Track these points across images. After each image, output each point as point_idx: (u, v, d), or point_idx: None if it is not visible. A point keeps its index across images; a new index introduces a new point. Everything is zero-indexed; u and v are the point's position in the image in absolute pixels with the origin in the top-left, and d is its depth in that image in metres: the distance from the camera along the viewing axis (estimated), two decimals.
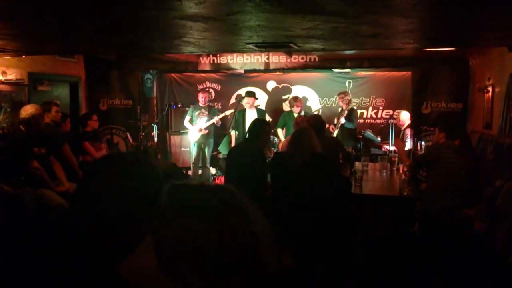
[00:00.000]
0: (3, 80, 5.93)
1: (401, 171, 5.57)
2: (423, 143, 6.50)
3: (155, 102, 9.05)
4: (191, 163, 8.07)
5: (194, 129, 7.81)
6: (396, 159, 5.95)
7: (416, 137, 6.90)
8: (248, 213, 0.98)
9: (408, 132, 7.17)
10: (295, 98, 7.75)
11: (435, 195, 4.46)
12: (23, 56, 5.96)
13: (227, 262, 0.92)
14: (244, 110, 7.75)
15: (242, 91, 9.00)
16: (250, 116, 7.38)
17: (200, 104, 7.93)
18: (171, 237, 0.95)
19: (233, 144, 7.76)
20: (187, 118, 7.95)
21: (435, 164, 4.45)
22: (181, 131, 8.53)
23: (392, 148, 7.04)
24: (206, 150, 7.92)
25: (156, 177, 1.33)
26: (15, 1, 2.76)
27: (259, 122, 4.73)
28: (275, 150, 7.18)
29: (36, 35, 4.18)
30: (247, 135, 4.56)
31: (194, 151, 8.01)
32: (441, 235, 4.26)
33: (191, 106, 8.23)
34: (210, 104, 8.48)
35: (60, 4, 2.84)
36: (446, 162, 4.41)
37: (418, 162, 4.87)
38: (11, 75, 6.07)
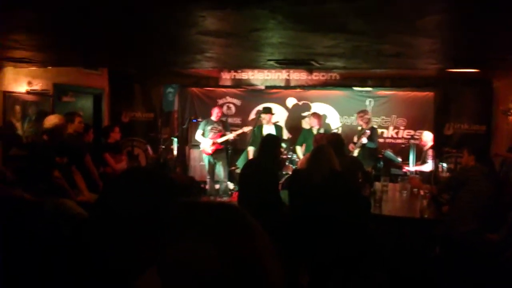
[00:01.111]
0: (29, 90, 6.07)
1: (421, 193, 5.47)
2: (444, 164, 6.39)
3: (175, 115, 9.13)
4: (207, 177, 8.09)
5: (206, 143, 7.83)
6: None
7: (438, 158, 6.79)
8: (251, 231, 0.97)
9: (430, 153, 7.06)
10: (314, 114, 7.74)
11: (459, 218, 4.36)
12: (49, 67, 6.10)
13: (230, 282, 0.91)
14: (261, 126, 7.76)
15: (262, 107, 9.02)
16: (268, 132, 7.38)
17: (213, 119, 7.96)
18: (172, 257, 0.94)
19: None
20: (199, 131, 7.96)
21: (463, 186, 4.38)
22: (199, 144, 8.59)
23: (413, 169, 6.94)
24: (220, 165, 7.91)
25: (174, 192, 1.34)
26: (44, 15, 2.83)
27: (269, 138, 4.73)
28: (294, 167, 7.15)
29: (63, 48, 4.28)
30: (259, 151, 4.56)
31: (206, 165, 8.03)
32: (463, 260, 4.15)
33: (202, 120, 8.28)
34: (224, 119, 8.51)
35: (87, 19, 2.91)
36: (474, 185, 4.33)
37: (448, 184, 4.78)
38: (37, 86, 6.21)
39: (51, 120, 4.87)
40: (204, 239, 0.93)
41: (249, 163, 4.92)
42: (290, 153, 7.70)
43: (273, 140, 4.61)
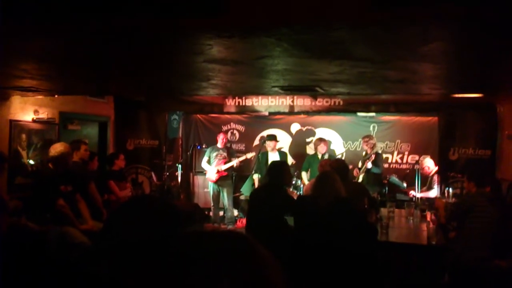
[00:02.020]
0: (35, 118, 6.12)
1: (428, 219, 5.41)
2: (450, 190, 6.35)
3: (180, 142, 9.16)
4: (211, 204, 8.05)
5: (211, 170, 7.82)
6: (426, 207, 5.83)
7: (443, 183, 6.75)
8: (262, 259, 0.96)
9: (436, 178, 7.01)
10: (321, 139, 7.73)
11: (467, 245, 4.31)
12: (56, 96, 6.16)
13: None
14: (266, 153, 7.76)
15: (266, 133, 9.04)
16: (272, 159, 7.38)
17: (218, 146, 7.97)
18: None
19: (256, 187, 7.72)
20: (205, 159, 7.96)
21: (469, 213, 4.33)
22: (204, 172, 8.58)
23: (419, 195, 6.88)
24: (225, 192, 7.87)
25: (178, 219, 1.33)
26: (52, 44, 2.87)
27: (277, 164, 4.76)
28: (299, 193, 7.12)
29: (71, 77, 4.33)
30: (268, 177, 4.58)
31: (211, 192, 7.99)
32: (472, 287, 4.07)
33: (207, 147, 8.30)
34: (229, 145, 8.51)
35: (96, 49, 2.95)
36: (480, 211, 4.29)
37: (454, 211, 4.74)
38: (43, 114, 6.26)
39: (57, 148, 4.89)
40: (215, 269, 0.92)
41: (258, 190, 4.91)
42: (295, 179, 7.68)
43: (280, 166, 4.64)
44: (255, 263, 0.94)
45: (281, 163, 5.03)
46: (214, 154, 7.88)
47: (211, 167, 7.81)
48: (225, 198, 7.85)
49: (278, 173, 4.50)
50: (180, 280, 0.93)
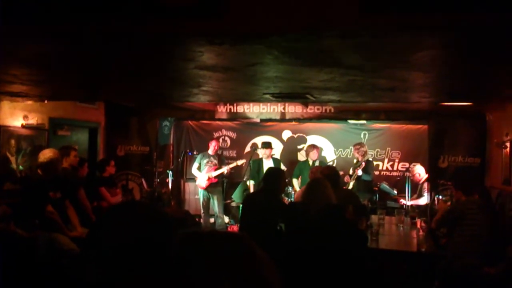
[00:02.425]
0: (24, 124, 6.07)
1: (418, 226, 5.44)
2: (440, 197, 6.39)
3: (171, 148, 9.13)
4: (201, 211, 8.02)
5: (202, 177, 7.79)
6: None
7: (433, 191, 6.79)
8: (260, 260, 0.96)
9: (426, 186, 7.05)
10: (314, 146, 7.75)
11: (458, 252, 4.33)
12: (45, 101, 6.12)
13: None
14: (259, 160, 7.77)
15: (257, 140, 9.05)
16: (267, 166, 7.40)
17: (210, 152, 7.96)
18: None
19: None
20: (195, 165, 7.95)
21: (460, 220, 4.37)
22: (194, 178, 8.55)
23: (409, 203, 6.91)
24: (215, 198, 7.85)
25: (168, 226, 1.33)
26: (41, 49, 2.86)
27: (275, 170, 4.77)
28: (290, 200, 7.12)
29: (61, 82, 4.31)
30: (263, 183, 4.59)
31: (201, 199, 7.97)
32: None
33: (198, 153, 8.29)
34: (220, 153, 8.50)
35: (86, 54, 2.94)
36: (471, 218, 4.32)
37: (445, 218, 4.77)
38: (32, 120, 6.21)
39: (46, 154, 4.85)
40: (216, 272, 0.91)
41: (252, 195, 4.91)
42: (286, 186, 7.67)
43: (277, 173, 4.66)
44: (254, 264, 0.94)
45: (278, 170, 5.05)
46: (205, 161, 7.86)
47: (202, 173, 7.79)
48: (215, 205, 7.83)
49: (275, 180, 4.50)
50: (180, 283, 0.93)
